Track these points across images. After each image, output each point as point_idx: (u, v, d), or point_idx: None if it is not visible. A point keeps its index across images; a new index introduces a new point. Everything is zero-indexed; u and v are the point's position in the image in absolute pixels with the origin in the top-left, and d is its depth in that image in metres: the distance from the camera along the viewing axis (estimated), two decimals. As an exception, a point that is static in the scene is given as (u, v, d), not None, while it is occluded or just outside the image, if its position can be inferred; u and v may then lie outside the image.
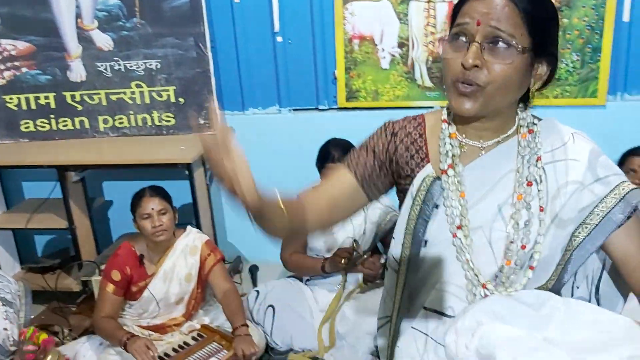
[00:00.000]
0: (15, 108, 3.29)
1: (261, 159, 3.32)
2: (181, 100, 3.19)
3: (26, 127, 3.32)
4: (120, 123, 3.27)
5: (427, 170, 1.16)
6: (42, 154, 3.14)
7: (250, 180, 0.91)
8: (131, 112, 3.25)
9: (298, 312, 2.71)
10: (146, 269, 2.55)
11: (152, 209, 2.48)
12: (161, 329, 2.57)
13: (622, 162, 2.72)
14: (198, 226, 2.97)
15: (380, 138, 1.21)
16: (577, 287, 1.22)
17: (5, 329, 2.26)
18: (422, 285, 1.19)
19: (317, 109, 3.28)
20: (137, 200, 2.53)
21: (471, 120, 1.13)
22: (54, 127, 3.31)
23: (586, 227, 1.12)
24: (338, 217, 1.22)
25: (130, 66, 3.18)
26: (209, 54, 3.11)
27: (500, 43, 1.03)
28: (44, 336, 2.22)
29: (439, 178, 1.14)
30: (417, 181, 1.16)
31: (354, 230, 2.75)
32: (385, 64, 3.10)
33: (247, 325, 2.43)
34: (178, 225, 2.66)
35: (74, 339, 2.78)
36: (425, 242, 1.17)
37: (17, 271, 3.46)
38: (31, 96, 3.27)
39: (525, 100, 1.18)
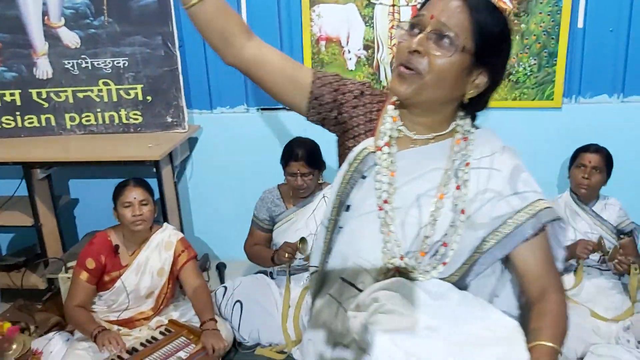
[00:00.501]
0: (-20, 105, 3.27)
1: (229, 157, 3.39)
2: (149, 98, 3.20)
3: (-9, 124, 3.29)
4: (87, 121, 3.27)
5: (368, 142, 1.24)
6: (7, 151, 3.12)
7: None
8: (98, 109, 3.25)
9: (265, 308, 2.77)
10: (120, 260, 2.58)
11: (134, 198, 2.52)
12: (130, 323, 2.60)
13: (574, 157, 2.86)
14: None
15: (354, 85, 1.28)
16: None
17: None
18: (342, 250, 1.28)
19: (284, 108, 3.33)
20: (120, 188, 2.57)
21: (410, 110, 1.21)
22: (20, 124, 3.29)
23: (497, 235, 1.19)
24: (268, 81, 1.26)
25: (98, 64, 3.18)
26: (177, 53, 3.13)
27: (445, 38, 1.11)
28: (7, 325, 2.22)
29: (373, 152, 1.23)
30: (357, 149, 1.24)
31: (316, 229, 2.81)
32: (352, 65, 3.18)
33: (216, 320, 2.48)
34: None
35: (40, 335, 2.78)
36: (348, 207, 1.26)
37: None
38: (-4, 93, 3.25)
39: (467, 108, 1.25)
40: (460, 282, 1.24)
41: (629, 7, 2.93)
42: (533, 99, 3.11)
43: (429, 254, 1.20)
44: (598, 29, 2.98)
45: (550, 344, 1.11)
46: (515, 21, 2.99)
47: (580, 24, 2.98)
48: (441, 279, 1.21)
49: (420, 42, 1.11)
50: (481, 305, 1.18)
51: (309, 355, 1.35)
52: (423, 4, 1.19)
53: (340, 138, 1.31)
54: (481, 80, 1.17)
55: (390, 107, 1.24)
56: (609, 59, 3.02)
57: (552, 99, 3.09)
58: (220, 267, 3.43)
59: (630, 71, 3.03)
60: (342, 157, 1.31)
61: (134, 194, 2.54)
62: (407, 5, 3.03)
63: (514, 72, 3.07)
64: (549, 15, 2.96)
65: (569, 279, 2.74)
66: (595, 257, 2.75)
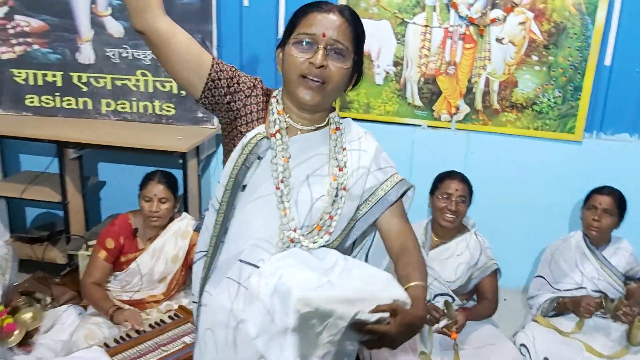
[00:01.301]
0: (23, 82, 3.42)
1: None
2: (182, 92, 3.33)
3: (31, 102, 3.45)
4: (122, 108, 3.41)
5: (260, 129, 1.38)
6: (43, 128, 3.26)
7: None
8: (134, 98, 3.39)
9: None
10: (138, 243, 2.69)
11: (155, 194, 2.63)
12: (140, 304, 2.71)
13: (587, 198, 2.87)
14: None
15: (247, 78, 1.42)
16: (354, 255, 1.55)
17: (-12, 288, 2.40)
18: (236, 231, 1.40)
19: (310, 115, 3.43)
20: (145, 181, 2.69)
21: (301, 110, 1.39)
22: (58, 105, 3.44)
23: (368, 204, 1.44)
24: (173, 55, 1.34)
25: (138, 55, 3.32)
26: (215, 52, 3.26)
27: (341, 53, 1.32)
28: (9, 320, 2.32)
29: (267, 138, 1.37)
30: (250, 134, 1.38)
31: None
32: (380, 79, 3.27)
33: None
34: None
35: (54, 307, 2.90)
36: (244, 186, 1.39)
37: (6, 239, 3.56)
38: (39, 72, 3.40)
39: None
40: (340, 247, 1.44)
41: (658, 50, 2.98)
42: (554, 131, 3.16)
43: (322, 227, 1.39)
44: (625, 68, 3.04)
45: (421, 283, 1.32)
46: (544, 52, 3.05)
47: (607, 62, 3.04)
48: (325, 245, 1.39)
49: (323, 58, 1.29)
50: (359, 264, 1.37)
51: (208, 347, 1.42)
52: (297, 18, 1.34)
53: (231, 124, 1.42)
54: (355, 78, 1.42)
55: (273, 101, 1.41)
56: (633, 98, 3.08)
57: (574, 132, 3.14)
58: (233, 262, 3.53)
59: (653, 112, 3.08)
60: (231, 141, 1.42)
61: (155, 191, 2.65)
62: (440, 27, 3.12)
63: (538, 102, 3.13)
64: (577, 50, 3.02)
65: (569, 324, 2.73)
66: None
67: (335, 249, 1.40)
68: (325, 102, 1.38)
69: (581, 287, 2.81)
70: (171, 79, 3.30)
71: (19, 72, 3.41)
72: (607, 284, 2.78)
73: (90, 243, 3.10)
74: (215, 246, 1.44)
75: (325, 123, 1.44)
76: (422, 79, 3.23)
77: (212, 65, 1.35)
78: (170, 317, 2.60)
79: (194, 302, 1.53)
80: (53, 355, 2.48)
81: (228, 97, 1.38)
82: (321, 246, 1.39)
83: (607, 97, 3.10)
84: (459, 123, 3.26)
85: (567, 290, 2.83)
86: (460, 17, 3.09)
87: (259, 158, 1.38)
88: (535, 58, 3.08)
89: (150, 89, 3.36)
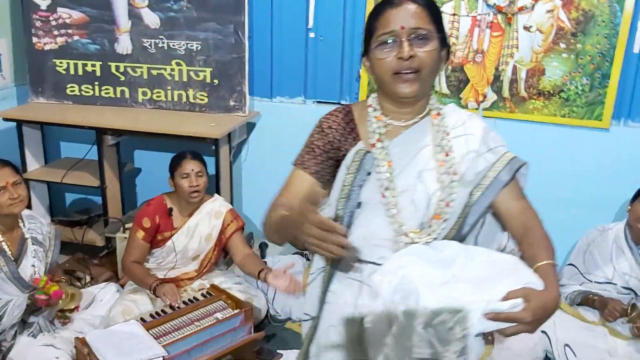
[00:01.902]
0: (64, 72, 3.58)
1: (282, 144, 3.58)
2: (216, 81, 3.45)
3: (71, 91, 3.60)
4: (158, 96, 3.54)
5: (359, 146, 1.39)
6: (83, 116, 3.41)
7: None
8: (169, 87, 3.52)
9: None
10: (173, 222, 2.82)
11: (192, 169, 2.75)
12: (175, 281, 2.83)
13: (639, 195, 2.76)
14: (218, 198, 3.21)
15: (319, 137, 1.44)
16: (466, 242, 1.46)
17: (33, 266, 2.53)
18: (357, 241, 1.40)
19: (339, 103, 3.51)
20: (177, 160, 2.80)
21: (402, 105, 1.39)
22: (97, 94, 3.59)
23: (481, 187, 1.38)
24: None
25: (173, 45, 3.44)
26: (246, 42, 3.36)
27: (423, 37, 1.31)
28: (54, 288, 2.42)
29: (369, 152, 1.38)
30: (350, 155, 1.39)
31: None
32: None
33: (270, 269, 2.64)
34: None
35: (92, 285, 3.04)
36: (359, 203, 1.39)
37: (48, 221, 3.74)
38: (79, 62, 3.55)
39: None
40: (457, 236, 1.40)
41: (688, 37, 2.97)
42: (582, 118, 3.17)
43: (441, 216, 1.37)
44: (654, 56, 3.03)
45: (550, 261, 1.27)
46: (572, 40, 3.07)
47: (636, 49, 3.02)
48: (444, 236, 1.37)
49: (409, 48, 1.29)
50: (481, 251, 1.33)
51: (329, 342, 1.43)
52: (373, 19, 1.34)
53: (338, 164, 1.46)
54: (445, 53, 1.39)
55: (370, 110, 1.42)
56: (662, 86, 3.06)
57: (601, 120, 3.14)
58: (262, 247, 3.63)
59: (681, 99, 3.07)
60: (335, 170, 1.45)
61: (192, 166, 2.77)
62: (468, 15, 3.16)
63: (565, 89, 3.14)
64: (605, 37, 3.03)
65: (594, 315, 2.74)
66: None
67: (453, 239, 1.38)
68: (424, 88, 1.37)
69: (611, 283, 2.78)
70: (204, 68, 3.43)
71: (61, 62, 3.56)
72: (638, 282, 2.74)
73: (127, 226, 3.23)
74: (332, 267, 1.44)
75: (426, 112, 1.43)
76: (450, 67, 3.27)
77: (313, 176, 1.42)
78: (202, 294, 2.72)
79: (305, 320, 1.54)
80: (92, 329, 2.62)
81: (333, 166, 1.42)
82: (440, 237, 1.37)
83: (635, 84, 3.09)
84: (486, 111, 3.30)
85: (597, 282, 2.82)
86: (488, 5, 3.13)
87: (369, 174, 1.39)
88: (563, 46, 3.10)
89: (185, 78, 3.48)
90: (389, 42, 1.31)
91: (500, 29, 3.16)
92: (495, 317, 1.18)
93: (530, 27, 3.12)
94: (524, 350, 2.60)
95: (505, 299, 1.17)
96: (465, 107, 3.30)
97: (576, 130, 3.21)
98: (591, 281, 2.83)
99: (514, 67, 3.20)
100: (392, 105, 1.40)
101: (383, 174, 1.37)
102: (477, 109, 3.30)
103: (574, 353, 2.60)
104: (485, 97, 3.27)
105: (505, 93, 3.25)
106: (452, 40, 3.22)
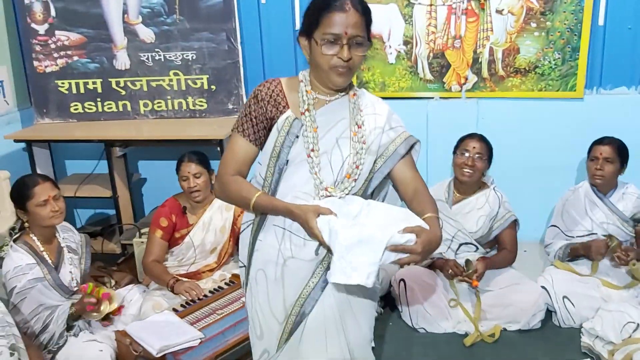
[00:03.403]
0: (66, 92, 3.75)
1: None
2: (213, 87, 3.64)
3: (75, 109, 3.77)
4: (159, 106, 3.73)
5: (288, 113, 1.66)
6: (90, 131, 3.59)
7: None
8: (169, 97, 3.71)
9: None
10: (188, 219, 3.00)
11: (189, 172, 2.94)
12: (197, 275, 3.02)
13: (590, 151, 3.09)
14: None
15: (254, 106, 1.68)
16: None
17: (70, 272, 2.70)
18: (280, 195, 1.68)
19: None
20: (178, 163, 2.99)
21: (322, 84, 1.66)
22: (100, 109, 3.77)
23: (383, 158, 1.71)
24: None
25: (169, 57, 3.64)
26: (239, 47, 3.56)
27: (359, 42, 1.59)
28: (102, 291, 2.59)
29: (297, 118, 1.65)
30: (281, 120, 1.66)
31: None
32: (392, 59, 3.55)
33: None
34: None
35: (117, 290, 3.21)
36: (287, 161, 1.67)
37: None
38: (80, 81, 3.73)
39: None
40: (364, 195, 1.72)
41: (646, 6, 3.25)
42: (557, 90, 3.44)
43: (352, 175, 1.67)
44: (617, 27, 3.30)
45: (434, 214, 1.61)
46: (542, 19, 3.33)
47: (601, 22, 3.30)
48: (354, 193, 1.68)
49: (348, 53, 1.57)
50: (380, 204, 1.65)
51: (259, 285, 1.73)
52: (318, 15, 1.57)
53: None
54: (368, 50, 1.66)
55: (302, 85, 1.68)
56: (627, 53, 3.33)
57: (575, 90, 3.41)
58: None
59: (647, 65, 3.34)
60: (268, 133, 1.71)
61: (188, 169, 2.96)
62: (444, 5, 3.40)
63: (540, 65, 3.40)
64: (572, 13, 3.29)
65: (585, 267, 2.99)
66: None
67: (359, 197, 1.68)
68: (350, 80, 1.68)
69: (592, 233, 3.04)
70: (201, 76, 3.62)
71: (63, 83, 3.74)
72: (616, 227, 3.01)
73: (142, 231, 3.41)
74: (260, 217, 1.72)
75: (345, 91, 1.72)
76: (431, 55, 3.51)
77: (254, 143, 1.67)
78: (226, 283, 2.91)
79: (240, 266, 1.83)
80: (127, 326, 2.79)
81: (267, 125, 1.68)
82: (350, 193, 1.67)
83: (603, 54, 3.36)
84: (469, 92, 3.54)
85: (579, 236, 3.07)
86: (461, -6, 3.38)
87: (297, 137, 1.65)
88: (533, 25, 3.35)
89: (183, 87, 3.68)
90: (332, 42, 1.57)
91: (474, 15, 3.41)
92: (394, 248, 1.47)
93: (502, 10, 3.37)
94: (527, 305, 2.83)
95: (403, 232, 1.47)
96: (449, 90, 3.55)
97: (553, 102, 3.47)
98: (574, 237, 3.09)
99: (491, 49, 3.44)
100: (321, 85, 1.68)
101: (310, 137, 1.64)
102: (460, 91, 3.54)
103: (572, 303, 2.84)
104: (466, 79, 3.52)
105: (485, 74, 3.49)
106: (431, 28, 3.46)
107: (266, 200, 1.62)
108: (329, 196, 1.63)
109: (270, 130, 1.67)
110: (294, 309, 1.69)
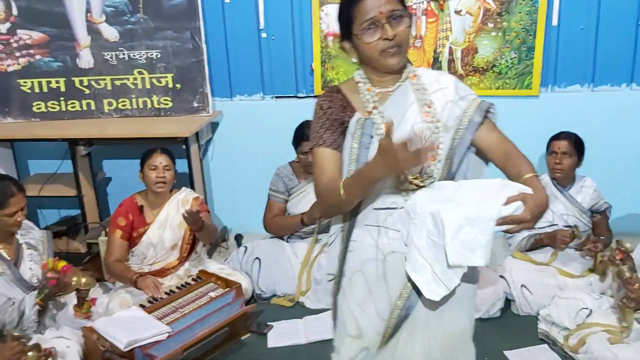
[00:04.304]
0: (29, 91, 3.72)
1: (246, 140, 3.84)
2: (178, 85, 3.66)
3: (38, 108, 3.75)
4: (124, 105, 3.73)
5: (357, 116, 1.61)
6: (53, 130, 3.57)
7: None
8: (133, 95, 3.71)
9: (280, 263, 3.20)
10: (145, 218, 3.03)
11: (160, 162, 2.96)
12: (160, 272, 3.04)
13: (548, 146, 3.22)
14: (193, 194, 3.42)
15: (322, 117, 1.66)
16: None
17: (30, 269, 2.69)
18: (369, 199, 1.65)
19: (296, 96, 3.78)
20: (148, 153, 3.01)
21: (383, 75, 1.63)
22: (63, 108, 3.75)
23: (460, 131, 1.62)
24: None
25: (134, 55, 3.64)
26: (203, 46, 3.59)
27: (397, 16, 1.54)
28: (62, 263, 2.60)
29: (367, 118, 1.61)
30: (352, 124, 1.61)
31: None
32: (355, 58, 3.61)
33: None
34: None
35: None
36: (366, 164, 1.63)
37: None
38: (43, 80, 3.71)
39: None
40: (448, 174, 1.63)
41: (597, 7, 3.39)
42: (514, 88, 3.56)
43: (436, 157, 1.63)
44: (570, 27, 3.44)
45: (533, 174, 1.55)
46: (498, 19, 3.44)
47: (554, 22, 3.43)
48: (439, 176, 1.61)
49: (391, 29, 1.53)
50: (472, 181, 1.61)
51: (357, 285, 1.70)
52: (350, 9, 1.56)
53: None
54: (411, 22, 1.61)
55: (361, 85, 1.66)
56: (580, 53, 3.47)
57: (531, 88, 3.54)
58: (238, 238, 3.86)
59: (599, 64, 3.49)
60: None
61: (160, 159, 2.99)
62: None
63: (497, 64, 3.52)
64: (527, 14, 3.42)
65: (543, 256, 3.12)
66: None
67: (446, 179, 1.61)
68: (405, 58, 1.61)
69: (553, 224, 3.17)
70: (166, 74, 3.64)
71: (25, 82, 3.71)
72: (575, 218, 3.15)
73: (108, 229, 3.40)
74: (350, 221, 1.66)
75: (405, 77, 1.65)
76: (393, 54, 3.59)
77: (339, 151, 1.63)
78: (193, 279, 2.94)
79: (329, 280, 1.76)
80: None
81: (341, 130, 1.65)
82: (437, 177, 1.60)
83: (557, 53, 3.49)
84: (430, 90, 3.63)
85: (541, 227, 3.19)
86: (421, -6, 3.48)
87: (372, 137, 1.59)
88: (491, 25, 3.47)
89: (148, 86, 3.68)
90: (371, 27, 1.55)
91: (434, 15, 3.51)
92: (503, 221, 1.43)
93: (461, 10, 3.48)
94: (487, 294, 2.93)
95: (507, 203, 1.43)
96: (411, 88, 3.63)
97: (510, 100, 3.58)
98: (535, 227, 3.19)
99: (450, 49, 3.55)
100: (377, 77, 1.64)
101: (383, 132, 1.59)
102: (421, 89, 3.63)
103: (529, 291, 2.95)
104: (427, 77, 3.61)
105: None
106: (393, 28, 3.54)
107: (351, 177, 1.55)
108: (418, 186, 1.59)
109: (344, 134, 1.64)
110: (399, 301, 1.63)
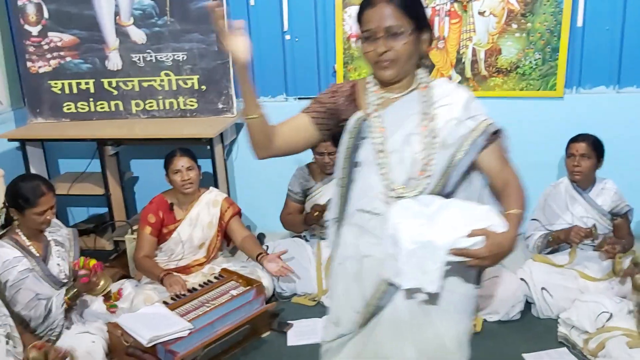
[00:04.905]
0: (59, 92, 3.83)
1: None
2: (203, 87, 3.73)
3: (68, 109, 3.85)
4: (150, 106, 3.81)
5: (358, 114, 1.63)
6: (83, 130, 3.67)
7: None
8: (160, 97, 3.79)
9: (300, 263, 3.24)
10: (175, 215, 3.09)
11: (182, 165, 3.03)
12: (186, 269, 3.11)
13: (567, 148, 3.20)
14: (217, 193, 3.49)
15: (326, 95, 1.72)
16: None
17: (58, 265, 2.77)
18: (356, 195, 1.71)
19: (319, 97, 3.81)
20: (169, 158, 3.08)
21: (388, 82, 1.65)
22: (92, 109, 3.85)
23: (462, 150, 1.59)
24: (296, 147, 1.71)
25: (160, 57, 3.72)
26: (228, 48, 3.64)
27: (395, 33, 1.55)
28: (93, 262, 2.67)
29: (366, 119, 1.63)
30: (351, 122, 1.63)
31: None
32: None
33: (267, 252, 3.08)
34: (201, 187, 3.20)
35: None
36: (356, 163, 1.67)
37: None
38: (73, 82, 3.81)
39: (422, 66, 1.68)
40: (442, 192, 1.62)
41: (623, 8, 3.35)
42: (538, 90, 3.54)
43: (424, 172, 1.63)
44: (596, 28, 3.40)
45: (518, 210, 1.54)
46: (522, 20, 3.43)
47: (579, 23, 3.40)
48: (429, 191, 1.61)
49: (382, 45, 1.55)
50: (458, 202, 1.60)
51: (339, 277, 1.76)
52: (360, 16, 1.61)
53: (339, 128, 1.71)
54: (426, 36, 1.62)
55: (369, 86, 1.69)
56: (605, 54, 3.44)
57: (555, 90, 3.51)
58: (261, 237, 3.91)
59: (624, 65, 3.44)
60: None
61: (182, 162, 3.05)
62: (427, 7, 3.50)
63: (521, 65, 3.50)
64: (551, 15, 3.39)
65: (563, 258, 3.10)
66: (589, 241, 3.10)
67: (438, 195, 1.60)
68: (403, 71, 1.60)
69: (572, 226, 3.16)
70: (192, 76, 3.71)
71: (56, 83, 3.81)
72: (595, 221, 3.11)
73: (134, 228, 3.49)
74: (340, 215, 1.74)
75: (415, 86, 1.65)
76: (416, 55, 3.61)
77: (312, 120, 1.67)
78: (215, 277, 3.00)
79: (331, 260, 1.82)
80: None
81: (332, 121, 1.68)
82: (425, 191, 1.59)
83: (582, 55, 3.46)
84: (453, 91, 3.63)
85: (560, 230, 3.18)
86: (444, -4, 3.48)
87: (364, 138, 1.63)
88: (514, 26, 3.45)
89: (174, 87, 3.76)
90: (371, 37, 1.58)
91: (457, 16, 3.50)
92: (457, 252, 1.44)
93: (484, 12, 3.47)
94: (507, 296, 2.93)
95: (470, 236, 1.43)
96: (433, 89, 3.64)
97: (534, 101, 3.57)
98: (554, 230, 3.18)
99: (473, 50, 3.54)
100: (385, 82, 1.66)
101: (377, 138, 1.63)
102: (444, 90, 3.63)
103: (550, 294, 2.94)
104: (450, 79, 3.61)
105: (468, 74, 3.59)
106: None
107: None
108: (401, 196, 1.61)
109: (338, 125, 1.67)
110: (372, 300, 1.66)
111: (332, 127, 1.70)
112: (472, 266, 1.49)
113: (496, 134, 1.62)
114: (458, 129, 1.61)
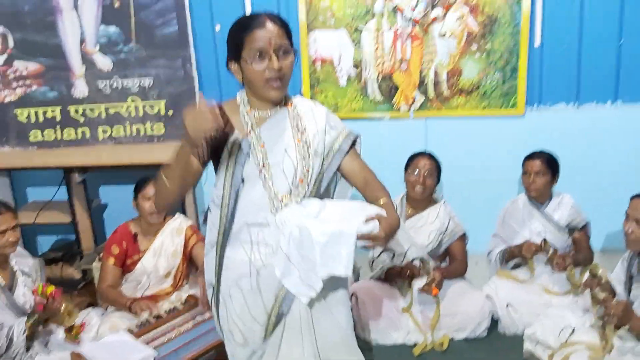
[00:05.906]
0: (25, 120, 3.82)
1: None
2: (170, 112, 3.74)
3: (34, 137, 3.84)
4: (117, 133, 3.81)
5: (235, 135, 1.75)
6: (49, 158, 3.65)
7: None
8: (127, 123, 3.79)
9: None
10: (139, 246, 3.07)
11: (153, 193, 3.00)
12: (153, 299, 3.07)
13: (522, 166, 3.26)
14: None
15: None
16: None
17: (23, 295, 2.74)
18: (241, 211, 1.78)
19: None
20: (142, 183, 3.06)
21: (260, 100, 1.76)
22: (59, 137, 3.83)
23: (329, 157, 1.82)
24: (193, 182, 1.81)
25: (127, 84, 3.73)
26: (195, 74, 3.67)
27: (285, 50, 1.68)
28: (51, 288, 2.61)
29: (244, 138, 1.74)
30: (230, 142, 1.74)
31: None
32: (343, 82, 3.70)
33: None
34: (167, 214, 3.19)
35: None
36: (243, 179, 1.76)
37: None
38: (39, 110, 3.80)
39: None
40: (316, 195, 1.82)
41: (579, 26, 3.45)
42: (500, 108, 3.61)
43: (304, 180, 1.77)
44: (553, 46, 3.49)
45: (388, 199, 1.75)
46: (482, 42, 3.50)
47: (537, 43, 3.49)
48: (308, 195, 1.79)
49: (276, 62, 1.66)
50: (335, 201, 1.84)
51: (235, 298, 1.81)
52: (241, 38, 1.66)
53: (219, 151, 1.77)
54: (294, 59, 1.75)
55: (242, 107, 1.77)
56: (563, 71, 3.53)
57: (516, 108, 3.58)
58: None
59: (583, 82, 3.53)
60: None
61: (154, 190, 3.03)
62: (390, 30, 3.56)
63: (482, 85, 3.57)
64: (510, 35, 3.48)
65: (523, 273, 3.16)
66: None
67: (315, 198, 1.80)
68: (286, 91, 1.76)
69: (525, 241, 3.18)
70: (158, 101, 3.73)
71: (22, 112, 3.80)
72: (552, 236, 3.16)
73: (102, 255, 3.46)
74: (224, 236, 1.80)
75: (283, 103, 1.81)
76: (380, 77, 3.66)
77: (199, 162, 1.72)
78: (182, 303, 2.97)
79: (210, 288, 1.89)
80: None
81: (211, 146, 1.74)
82: (305, 197, 1.77)
83: (541, 73, 3.54)
84: (417, 112, 3.70)
85: (517, 245, 3.21)
86: (405, 19, 3.54)
87: (248, 155, 1.74)
88: (475, 47, 3.53)
89: (141, 113, 3.77)
90: (259, 56, 1.66)
91: (419, 39, 3.57)
92: (361, 237, 1.60)
93: (445, 34, 3.54)
94: (473, 313, 2.96)
95: (366, 222, 1.60)
96: (398, 110, 3.70)
97: (496, 119, 3.64)
98: (512, 245, 3.22)
99: (436, 71, 3.61)
100: (259, 101, 1.77)
101: (259, 153, 1.74)
102: (408, 111, 3.69)
103: (515, 310, 2.97)
104: (414, 99, 3.67)
105: (431, 94, 3.65)
106: (379, 52, 3.62)
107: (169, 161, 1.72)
108: (286, 205, 1.74)
109: (216, 151, 1.74)
110: (273, 310, 1.79)
111: (209, 155, 1.77)
112: (372, 246, 1.69)
113: (355, 141, 1.86)
114: (324, 138, 1.81)
